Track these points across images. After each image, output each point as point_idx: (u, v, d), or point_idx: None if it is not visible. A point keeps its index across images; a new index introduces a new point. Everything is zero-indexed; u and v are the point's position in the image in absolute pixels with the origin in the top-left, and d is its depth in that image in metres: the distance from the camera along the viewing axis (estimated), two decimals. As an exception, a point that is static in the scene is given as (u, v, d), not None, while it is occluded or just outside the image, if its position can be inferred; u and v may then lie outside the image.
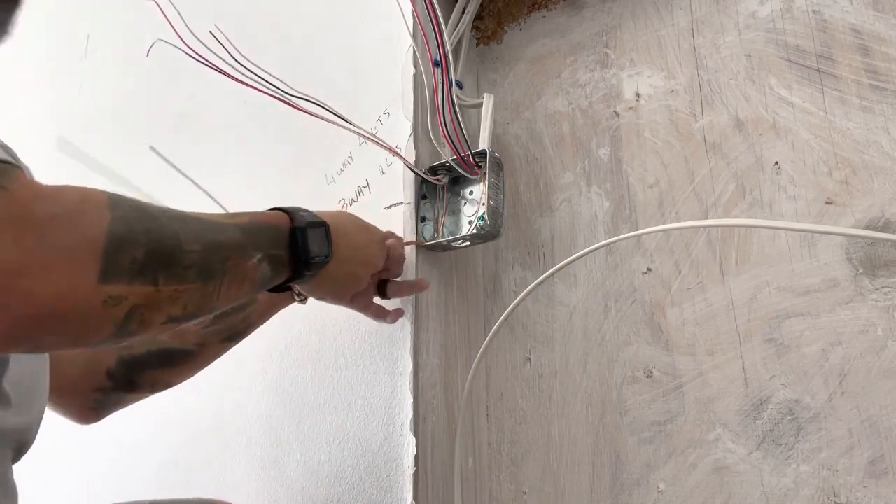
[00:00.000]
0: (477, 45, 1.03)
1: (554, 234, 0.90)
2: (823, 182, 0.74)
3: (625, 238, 0.80)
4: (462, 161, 0.83)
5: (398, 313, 0.81)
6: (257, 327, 0.82)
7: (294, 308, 0.85)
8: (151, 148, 0.71)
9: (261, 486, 0.90)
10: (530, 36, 0.99)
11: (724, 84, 0.82)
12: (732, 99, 0.81)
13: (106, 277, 0.43)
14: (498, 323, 0.76)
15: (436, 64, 0.84)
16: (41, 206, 0.42)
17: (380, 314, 0.80)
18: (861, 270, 0.70)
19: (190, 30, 0.76)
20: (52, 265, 0.41)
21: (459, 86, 0.90)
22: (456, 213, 0.86)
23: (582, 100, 0.92)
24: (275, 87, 0.77)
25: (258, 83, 0.76)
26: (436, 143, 0.89)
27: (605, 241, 0.76)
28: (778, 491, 0.69)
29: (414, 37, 0.90)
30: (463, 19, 0.94)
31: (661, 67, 0.87)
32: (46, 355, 0.66)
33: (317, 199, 0.96)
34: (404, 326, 0.82)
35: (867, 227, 0.70)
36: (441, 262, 0.88)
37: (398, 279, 0.82)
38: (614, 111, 0.89)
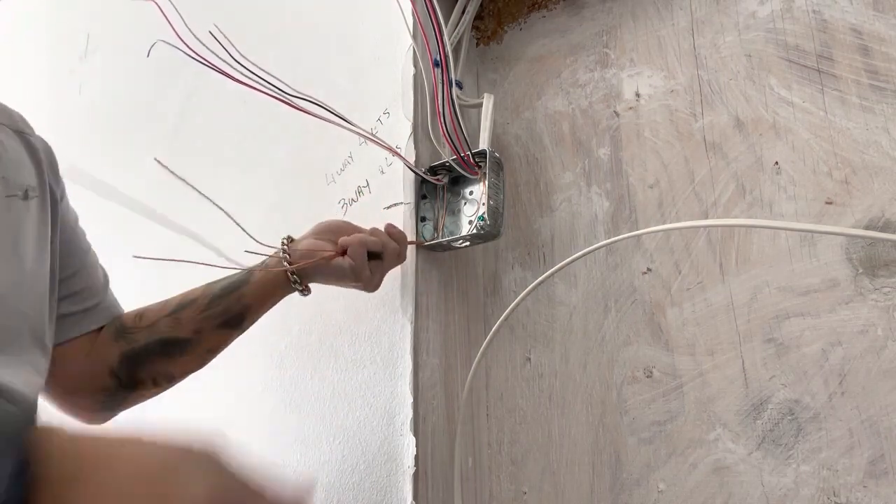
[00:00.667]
0: (477, 45, 1.03)
1: (554, 234, 0.90)
2: (823, 182, 0.74)
3: (625, 238, 0.80)
4: (462, 161, 0.83)
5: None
6: (256, 315, 0.79)
7: (294, 309, 0.85)
8: (156, 160, 0.71)
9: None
10: (530, 36, 0.99)
11: (724, 84, 0.82)
12: (732, 99, 0.81)
13: None
14: (498, 323, 0.76)
15: (436, 64, 0.84)
16: None
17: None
18: (861, 270, 0.70)
19: (190, 30, 0.76)
20: None
21: (459, 86, 0.91)
22: (456, 213, 0.87)
23: (582, 100, 0.92)
24: (275, 87, 0.77)
25: (258, 83, 0.76)
26: (436, 143, 0.89)
27: (605, 241, 0.76)
28: (778, 491, 0.69)
29: (414, 37, 0.90)
30: (463, 19, 0.94)
31: (661, 67, 0.87)
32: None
33: (317, 199, 0.96)
34: (404, 327, 0.83)
35: (867, 227, 0.70)
36: (441, 262, 0.89)
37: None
38: (614, 111, 0.89)
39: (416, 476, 0.77)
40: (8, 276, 0.61)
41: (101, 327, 0.77)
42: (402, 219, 0.86)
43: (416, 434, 0.78)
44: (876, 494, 0.65)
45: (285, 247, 0.78)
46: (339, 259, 0.77)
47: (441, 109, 0.83)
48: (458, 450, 0.81)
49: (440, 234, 0.86)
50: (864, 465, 0.66)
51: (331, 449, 0.85)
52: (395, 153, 0.84)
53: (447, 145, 0.83)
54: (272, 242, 0.79)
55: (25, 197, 0.66)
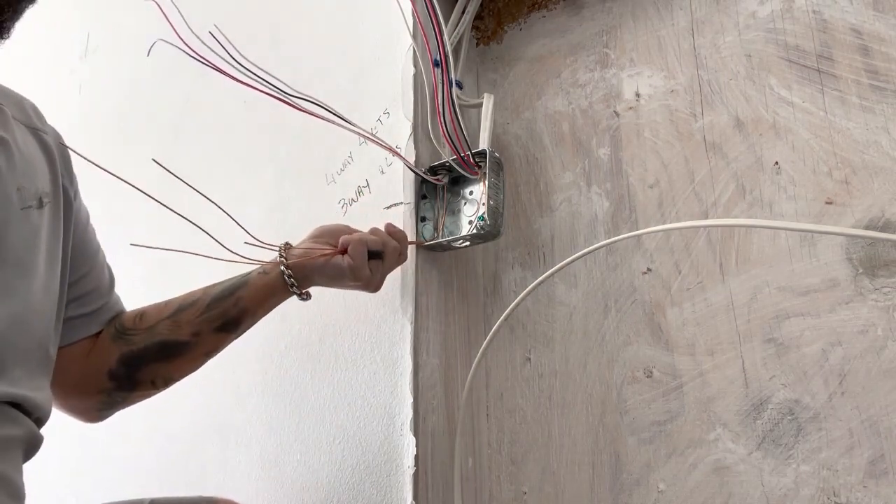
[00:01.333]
0: (477, 45, 1.03)
1: (554, 234, 0.90)
2: (823, 182, 0.74)
3: (625, 238, 0.80)
4: (462, 161, 0.83)
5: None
6: (254, 319, 0.79)
7: (294, 308, 0.84)
8: (154, 161, 0.71)
9: (261, 486, 0.90)
10: (530, 36, 0.99)
11: (724, 84, 0.82)
12: (732, 99, 0.81)
13: None
14: (498, 323, 0.76)
15: (436, 64, 0.84)
16: None
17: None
18: (861, 270, 0.70)
19: (190, 30, 0.76)
20: None
21: (459, 86, 0.91)
22: (456, 213, 0.87)
23: (582, 100, 0.92)
24: (275, 87, 0.77)
25: (258, 83, 0.76)
26: (436, 143, 0.89)
27: (605, 241, 0.76)
28: (778, 491, 0.69)
29: (414, 37, 0.90)
30: (463, 19, 0.94)
31: (661, 67, 0.87)
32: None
33: (317, 199, 0.96)
34: (404, 327, 0.83)
35: (867, 227, 0.70)
36: (441, 262, 0.89)
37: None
38: (614, 111, 0.89)
39: (416, 476, 0.77)
40: (24, 294, 0.61)
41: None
42: (402, 219, 0.86)
43: (416, 434, 0.78)
44: (876, 494, 0.65)
45: (282, 252, 0.78)
46: (338, 258, 0.76)
47: (441, 109, 0.83)
48: (458, 450, 0.81)
49: (440, 234, 0.86)
50: (864, 465, 0.66)
51: (331, 449, 0.85)
52: (395, 153, 0.84)
53: (447, 145, 0.83)
54: (272, 243, 0.79)
55: (40, 205, 0.65)
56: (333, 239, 0.78)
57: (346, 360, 0.87)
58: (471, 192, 0.86)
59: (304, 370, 0.91)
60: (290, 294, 0.78)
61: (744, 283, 0.75)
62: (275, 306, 0.80)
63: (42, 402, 0.63)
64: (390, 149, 0.83)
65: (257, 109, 1.07)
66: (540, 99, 0.96)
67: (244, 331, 0.79)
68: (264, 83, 0.76)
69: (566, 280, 0.87)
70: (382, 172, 0.90)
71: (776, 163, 0.77)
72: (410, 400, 0.79)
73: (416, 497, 0.76)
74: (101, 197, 1.32)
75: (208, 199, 0.72)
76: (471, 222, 0.84)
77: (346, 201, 0.93)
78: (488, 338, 0.77)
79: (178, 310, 0.77)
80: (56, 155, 0.71)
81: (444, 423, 0.83)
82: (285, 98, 0.78)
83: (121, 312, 0.80)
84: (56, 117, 1.55)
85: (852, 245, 0.71)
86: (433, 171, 0.87)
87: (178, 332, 0.75)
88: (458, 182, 0.87)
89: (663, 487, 0.75)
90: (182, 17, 0.79)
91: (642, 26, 0.89)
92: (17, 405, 0.60)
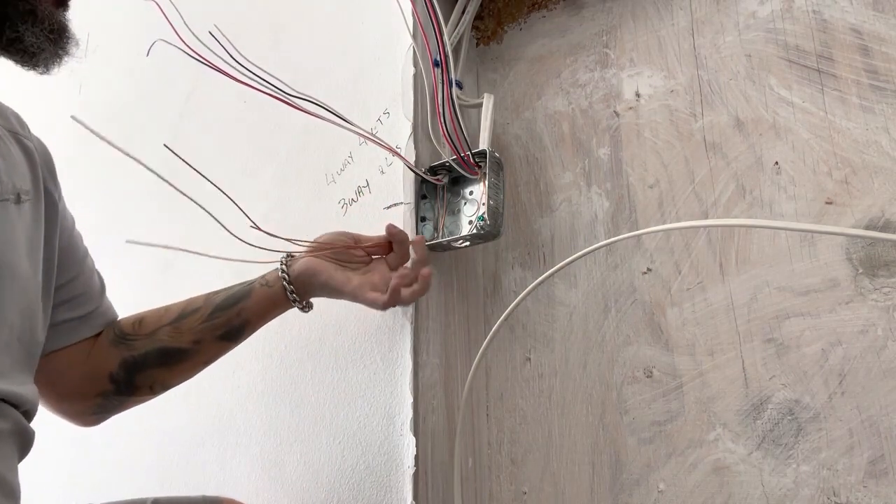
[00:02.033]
0: (477, 45, 1.03)
1: (554, 234, 0.90)
2: (823, 182, 0.74)
3: (625, 238, 0.80)
4: (462, 161, 0.83)
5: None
6: (256, 328, 0.80)
7: (294, 310, 0.85)
8: (165, 146, 0.71)
9: (261, 486, 0.90)
10: (530, 36, 0.99)
11: (724, 84, 0.82)
12: (732, 99, 0.81)
13: None
14: (498, 323, 0.76)
15: (436, 64, 0.84)
16: None
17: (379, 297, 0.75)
18: (861, 270, 0.70)
19: (190, 30, 0.76)
20: None
21: (459, 86, 0.91)
22: (456, 213, 0.86)
23: (582, 100, 0.92)
24: (275, 87, 0.77)
25: (258, 83, 0.76)
26: (436, 143, 0.89)
27: (605, 241, 0.76)
28: (778, 491, 0.69)
29: (414, 37, 0.90)
30: (463, 19, 0.94)
31: (661, 67, 0.87)
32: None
33: (317, 199, 0.96)
34: (404, 326, 0.83)
35: (867, 227, 0.70)
36: (441, 262, 0.88)
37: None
38: (614, 111, 0.89)
39: (416, 476, 0.77)
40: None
41: (99, 333, 0.77)
42: (402, 219, 0.86)
43: (416, 434, 0.78)
44: (876, 494, 0.65)
45: (283, 265, 0.79)
46: (376, 295, 0.76)
47: (441, 109, 0.83)
48: (458, 450, 0.81)
49: (440, 234, 0.86)
50: (864, 465, 0.66)
51: (331, 449, 0.85)
52: (395, 153, 0.84)
53: (447, 145, 0.83)
54: (271, 243, 0.79)
55: (18, 201, 0.65)
56: (335, 254, 0.78)
57: (346, 360, 0.87)
58: (471, 192, 0.86)
59: (304, 370, 0.91)
60: (292, 306, 0.79)
61: (744, 283, 0.75)
62: (276, 316, 0.81)
63: (29, 396, 0.62)
64: (390, 149, 0.83)
65: (257, 109, 1.07)
66: (540, 99, 0.96)
67: (244, 339, 0.80)
68: (264, 83, 0.76)
69: (566, 280, 0.87)
70: (382, 172, 0.90)
71: (776, 163, 0.77)
72: (410, 400, 0.79)
73: (416, 497, 0.76)
74: (98, 200, 1.32)
75: (214, 184, 0.72)
76: (471, 222, 0.84)
77: (346, 201, 0.93)
78: (488, 338, 0.77)
79: (180, 317, 0.77)
80: (38, 160, 0.71)
81: (444, 423, 0.83)
82: (285, 98, 0.78)
83: (115, 318, 0.80)
84: (56, 117, 1.55)
85: (852, 245, 0.71)
86: (433, 171, 0.87)
87: (179, 339, 0.76)
88: (458, 182, 0.87)
89: (663, 487, 0.75)
90: (182, 17, 0.79)
91: (642, 26, 0.89)
92: (2, 399, 0.59)
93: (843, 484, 0.66)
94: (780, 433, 0.70)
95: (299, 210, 0.98)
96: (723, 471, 0.72)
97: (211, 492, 0.94)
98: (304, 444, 0.88)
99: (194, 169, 0.70)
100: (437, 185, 0.87)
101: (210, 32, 0.74)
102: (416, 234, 0.86)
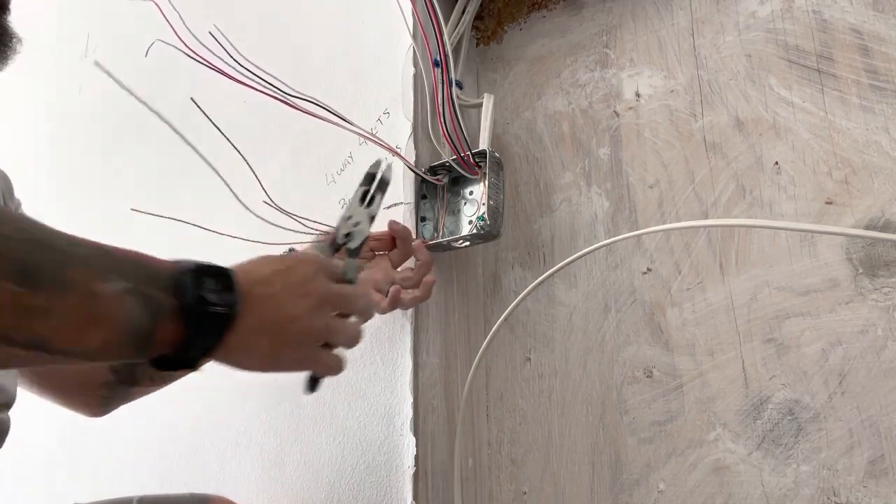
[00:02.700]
0: (477, 45, 1.03)
1: (554, 234, 0.90)
2: (823, 182, 0.74)
3: (625, 238, 0.80)
4: (462, 161, 0.83)
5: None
6: None
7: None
8: (191, 100, 0.71)
9: (261, 486, 0.90)
10: (530, 36, 0.99)
11: (724, 84, 0.82)
12: (732, 99, 0.81)
13: None
14: (498, 323, 0.76)
15: (436, 64, 0.84)
16: None
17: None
18: (861, 270, 0.70)
19: (190, 30, 0.76)
20: None
21: (459, 86, 0.91)
22: (456, 213, 0.87)
23: (582, 100, 0.92)
24: (275, 87, 0.77)
25: (258, 83, 0.76)
26: (436, 143, 0.89)
27: (605, 241, 0.76)
28: (778, 491, 0.69)
29: (414, 37, 0.90)
30: (463, 19, 0.94)
31: (661, 67, 0.87)
32: None
33: (317, 199, 0.96)
34: (404, 326, 0.83)
35: (867, 227, 0.70)
36: (441, 262, 0.88)
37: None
38: (614, 111, 0.89)
39: (416, 476, 0.77)
40: None
41: None
42: (402, 219, 0.86)
43: (416, 434, 0.78)
44: (876, 494, 0.65)
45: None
46: (377, 295, 0.76)
47: (441, 109, 0.83)
48: (458, 450, 0.81)
49: (440, 234, 0.86)
50: (864, 465, 0.66)
51: (331, 449, 0.85)
52: (395, 153, 0.84)
53: (447, 145, 0.83)
54: (270, 237, 0.79)
55: None
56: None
57: (346, 360, 0.87)
58: (471, 192, 0.86)
59: (304, 370, 0.91)
60: None
61: (744, 283, 0.75)
62: None
63: (4, 386, 0.63)
64: (390, 149, 0.83)
65: (257, 109, 1.07)
66: (540, 99, 0.95)
67: None
68: (264, 83, 0.76)
69: (566, 280, 0.87)
70: (382, 172, 0.90)
71: (776, 163, 0.77)
72: (410, 400, 0.79)
73: (416, 497, 0.76)
74: (97, 201, 1.32)
75: (235, 147, 0.72)
76: (471, 222, 0.84)
77: (347, 201, 0.93)
78: (488, 338, 0.77)
79: None
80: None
81: (444, 423, 0.83)
82: (285, 98, 0.78)
83: None
84: (56, 117, 1.55)
85: (852, 245, 0.71)
86: (433, 171, 0.87)
87: None
88: (458, 182, 0.87)
89: (663, 487, 0.75)
90: (182, 17, 0.79)
91: (642, 26, 0.89)
92: None
93: (843, 484, 0.66)
94: (780, 433, 0.70)
95: (299, 210, 0.98)
96: (723, 471, 0.72)
97: (211, 492, 0.94)
98: (304, 444, 0.88)
99: (218, 129, 0.70)
100: (437, 185, 0.87)
101: (210, 32, 0.74)
102: (416, 233, 0.86)
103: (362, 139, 0.89)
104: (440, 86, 0.83)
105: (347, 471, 0.83)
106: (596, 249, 0.79)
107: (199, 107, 0.68)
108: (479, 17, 1.00)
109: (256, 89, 0.76)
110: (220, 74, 0.75)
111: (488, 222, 0.81)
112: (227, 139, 0.71)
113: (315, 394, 0.60)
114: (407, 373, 0.80)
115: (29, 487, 1.16)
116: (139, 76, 1.31)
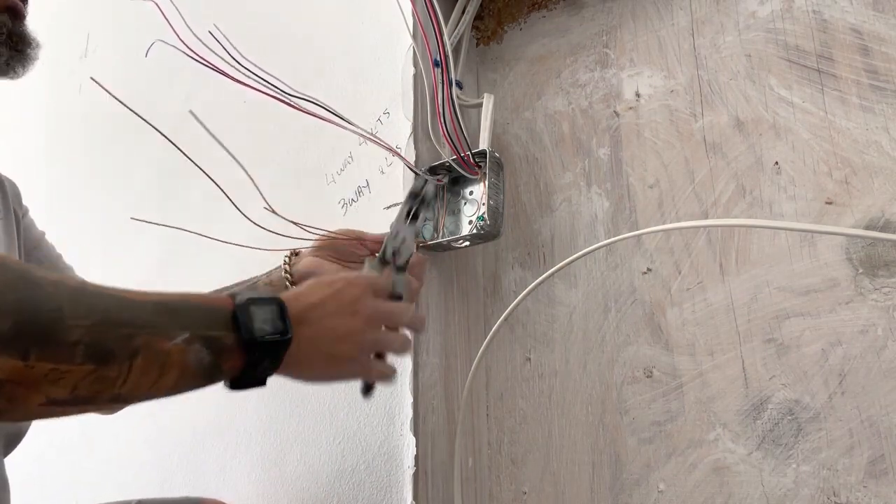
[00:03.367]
0: (477, 45, 1.03)
1: (554, 234, 0.90)
2: (823, 182, 0.74)
3: (625, 238, 0.80)
4: (462, 161, 0.83)
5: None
6: None
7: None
8: (190, 112, 0.71)
9: (261, 486, 0.90)
10: (530, 36, 0.99)
11: (724, 84, 0.82)
12: (732, 99, 0.81)
13: None
14: (498, 323, 0.76)
15: (436, 64, 0.84)
16: None
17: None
18: (861, 270, 0.70)
19: (190, 30, 0.76)
20: None
21: (459, 86, 0.91)
22: (456, 213, 0.87)
23: (582, 100, 0.92)
24: (275, 87, 0.77)
25: (258, 83, 0.76)
26: (436, 143, 0.89)
27: (605, 241, 0.76)
28: (778, 491, 0.69)
29: (414, 37, 0.90)
30: (463, 19, 0.94)
31: (661, 67, 0.87)
32: None
33: (317, 199, 0.96)
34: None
35: (867, 227, 0.70)
36: (441, 262, 0.88)
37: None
38: (614, 111, 0.89)
39: (416, 476, 0.77)
40: None
41: None
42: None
43: (416, 434, 0.78)
44: (876, 494, 0.65)
45: (287, 264, 0.79)
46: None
47: (441, 109, 0.83)
48: (458, 450, 0.81)
49: (440, 234, 0.86)
50: (864, 465, 0.66)
51: (331, 449, 0.85)
52: (395, 153, 0.84)
53: (447, 145, 0.83)
54: (271, 243, 0.79)
55: None
56: (336, 254, 0.78)
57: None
58: (471, 192, 0.86)
59: (304, 370, 0.91)
60: None
61: (744, 283, 0.75)
62: None
63: None
64: (390, 149, 0.83)
65: (257, 109, 1.07)
66: (540, 99, 0.96)
67: None
68: (264, 83, 0.76)
69: (566, 280, 0.87)
70: (382, 172, 0.90)
71: (776, 163, 0.77)
72: (410, 400, 0.79)
73: (416, 497, 0.76)
74: (98, 201, 1.32)
75: (230, 153, 0.72)
76: (471, 222, 0.84)
77: (346, 201, 0.93)
78: (488, 338, 0.77)
79: None
80: (8, 189, 0.83)
81: (444, 423, 0.83)
82: (285, 98, 0.78)
83: None
84: (56, 117, 1.55)
85: (852, 245, 0.71)
86: (433, 171, 0.87)
87: None
88: (458, 182, 0.87)
89: (663, 487, 0.75)
90: (182, 17, 0.79)
91: (642, 26, 0.89)
92: None
93: (843, 484, 0.66)
94: (780, 433, 0.70)
95: (299, 210, 0.98)
96: (723, 471, 0.72)
97: (211, 492, 0.94)
98: (304, 444, 0.88)
99: (216, 140, 0.70)
100: (437, 186, 0.87)
101: (210, 32, 0.74)
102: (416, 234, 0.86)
103: (362, 139, 0.89)
104: (440, 86, 0.83)
105: (347, 471, 0.83)
106: (596, 249, 0.79)
107: (196, 118, 0.68)
108: (479, 17, 1.00)
109: (256, 89, 0.76)
110: (220, 74, 0.75)
111: (488, 222, 0.81)
112: (227, 150, 0.71)
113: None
114: (407, 373, 0.80)
115: (29, 488, 1.16)
116: (139, 76, 1.32)
